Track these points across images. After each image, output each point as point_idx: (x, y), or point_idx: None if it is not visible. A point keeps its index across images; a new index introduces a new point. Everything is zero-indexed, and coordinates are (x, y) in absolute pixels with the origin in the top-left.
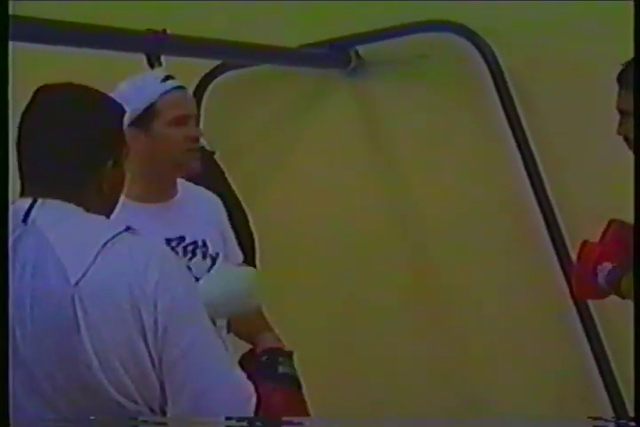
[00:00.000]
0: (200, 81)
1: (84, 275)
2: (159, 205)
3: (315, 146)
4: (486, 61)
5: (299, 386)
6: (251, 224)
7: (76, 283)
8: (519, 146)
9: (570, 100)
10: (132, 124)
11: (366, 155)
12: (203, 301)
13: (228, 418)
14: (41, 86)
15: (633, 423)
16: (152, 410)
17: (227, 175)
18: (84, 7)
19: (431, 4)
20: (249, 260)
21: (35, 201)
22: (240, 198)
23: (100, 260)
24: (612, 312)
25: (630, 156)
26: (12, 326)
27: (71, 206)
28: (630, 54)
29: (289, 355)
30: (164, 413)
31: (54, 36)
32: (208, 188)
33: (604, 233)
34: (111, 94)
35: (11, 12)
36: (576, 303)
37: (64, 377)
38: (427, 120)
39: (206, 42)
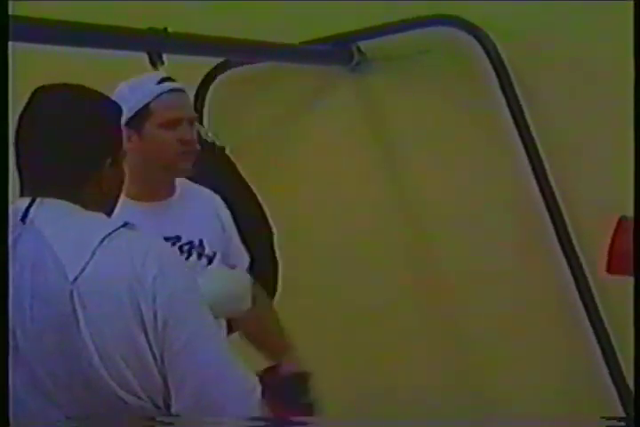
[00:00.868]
0: (203, 79)
1: (82, 271)
2: (155, 204)
3: (318, 142)
4: (489, 55)
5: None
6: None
7: (75, 279)
8: (523, 140)
9: (573, 92)
10: (126, 124)
11: (370, 151)
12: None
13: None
14: (38, 87)
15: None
16: (156, 405)
17: (240, 170)
18: (85, 7)
19: None
20: (267, 255)
21: (33, 200)
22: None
23: (98, 255)
24: (620, 308)
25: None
26: (13, 325)
27: (69, 205)
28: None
29: (309, 380)
30: (168, 407)
31: (54, 36)
32: (218, 183)
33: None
34: (111, 95)
35: (11, 12)
36: (583, 299)
37: (66, 374)
38: (430, 115)
39: (208, 40)
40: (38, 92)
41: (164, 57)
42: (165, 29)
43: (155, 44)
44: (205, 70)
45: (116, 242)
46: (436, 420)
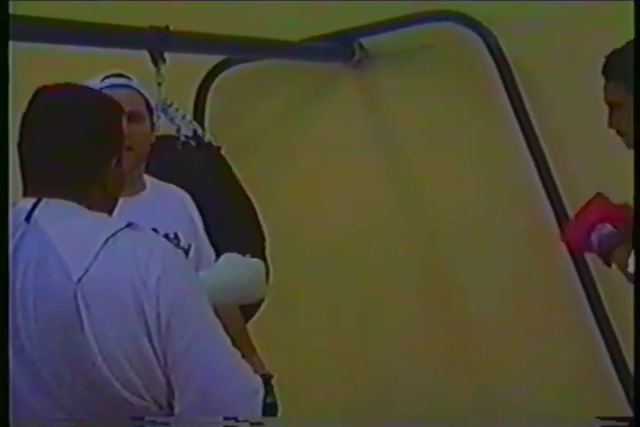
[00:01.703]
0: (204, 77)
1: (86, 271)
2: (128, 199)
3: (320, 139)
4: (490, 51)
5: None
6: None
7: (79, 279)
8: (525, 135)
9: (575, 87)
10: None
11: (372, 147)
12: (210, 287)
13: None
14: (40, 87)
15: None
16: (160, 406)
17: (234, 170)
18: (85, 6)
19: None
20: (258, 255)
21: (39, 201)
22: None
23: (101, 256)
24: (625, 303)
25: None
26: (17, 325)
27: (73, 205)
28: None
29: (271, 382)
30: (171, 408)
31: (54, 35)
32: (214, 183)
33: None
34: None
35: (11, 11)
36: (588, 295)
37: (70, 374)
38: (432, 112)
39: (209, 37)
40: (40, 93)
41: (166, 55)
42: (167, 27)
43: (156, 42)
44: (207, 68)
45: (120, 243)
46: (435, 420)
